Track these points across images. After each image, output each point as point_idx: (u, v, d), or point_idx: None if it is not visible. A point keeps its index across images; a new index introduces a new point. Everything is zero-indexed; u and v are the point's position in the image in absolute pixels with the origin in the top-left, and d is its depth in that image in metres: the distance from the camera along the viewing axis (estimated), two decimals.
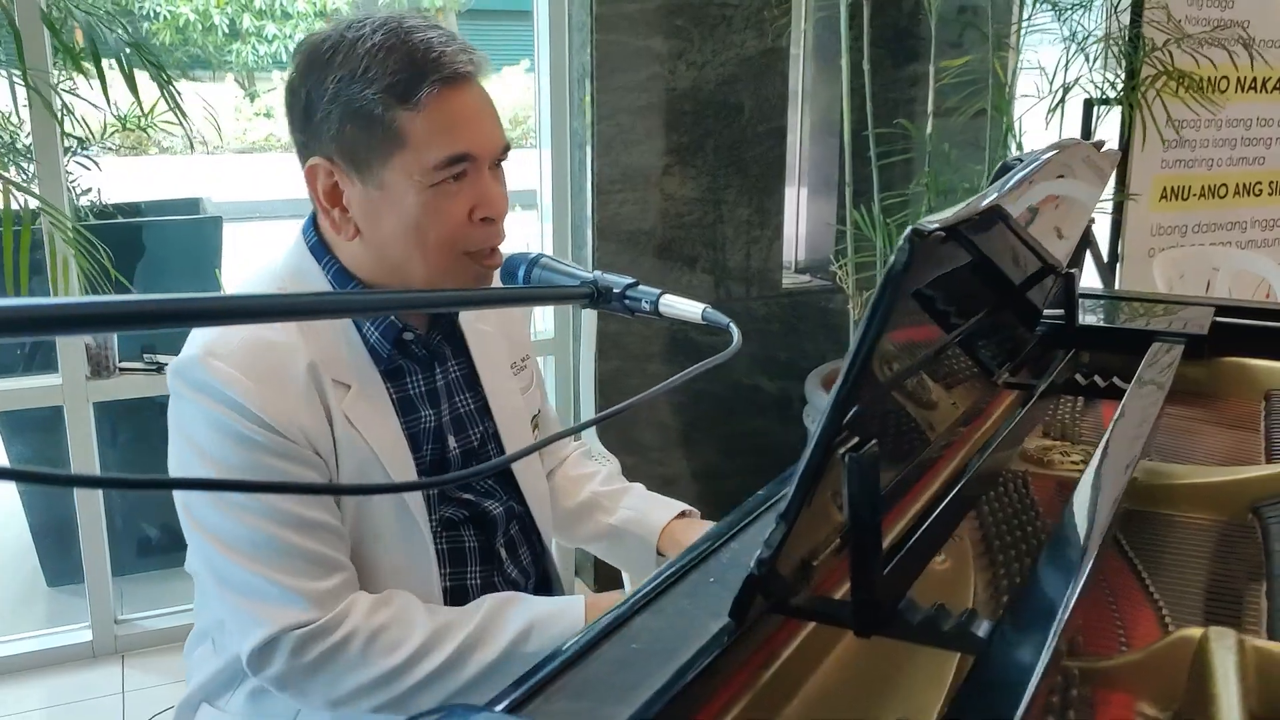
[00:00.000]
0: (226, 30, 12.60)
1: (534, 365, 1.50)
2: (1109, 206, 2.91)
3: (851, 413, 0.66)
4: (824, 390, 2.84)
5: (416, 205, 1.17)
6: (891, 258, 0.61)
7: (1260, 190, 3.12)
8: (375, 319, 1.25)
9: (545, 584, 1.45)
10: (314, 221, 1.28)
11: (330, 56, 1.16)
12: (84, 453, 2.56)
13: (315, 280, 1.25)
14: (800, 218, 3.30)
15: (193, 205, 3.49)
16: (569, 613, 1.20)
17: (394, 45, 1.14)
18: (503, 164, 1.25)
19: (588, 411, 2.91)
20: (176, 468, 1.20)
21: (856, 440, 0.68)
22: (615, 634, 0.68)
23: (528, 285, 1.18)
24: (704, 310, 1.08)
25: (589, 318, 2.85)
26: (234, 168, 9.82)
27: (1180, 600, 0.98)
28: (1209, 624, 0.92)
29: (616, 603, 1.19)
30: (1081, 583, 0.74)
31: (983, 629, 0.69)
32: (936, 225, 0.62)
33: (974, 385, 1.18)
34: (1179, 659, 0.78)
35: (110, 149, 3.24)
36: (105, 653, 2.70)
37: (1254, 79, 2.98)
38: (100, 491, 2.64)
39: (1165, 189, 2.97)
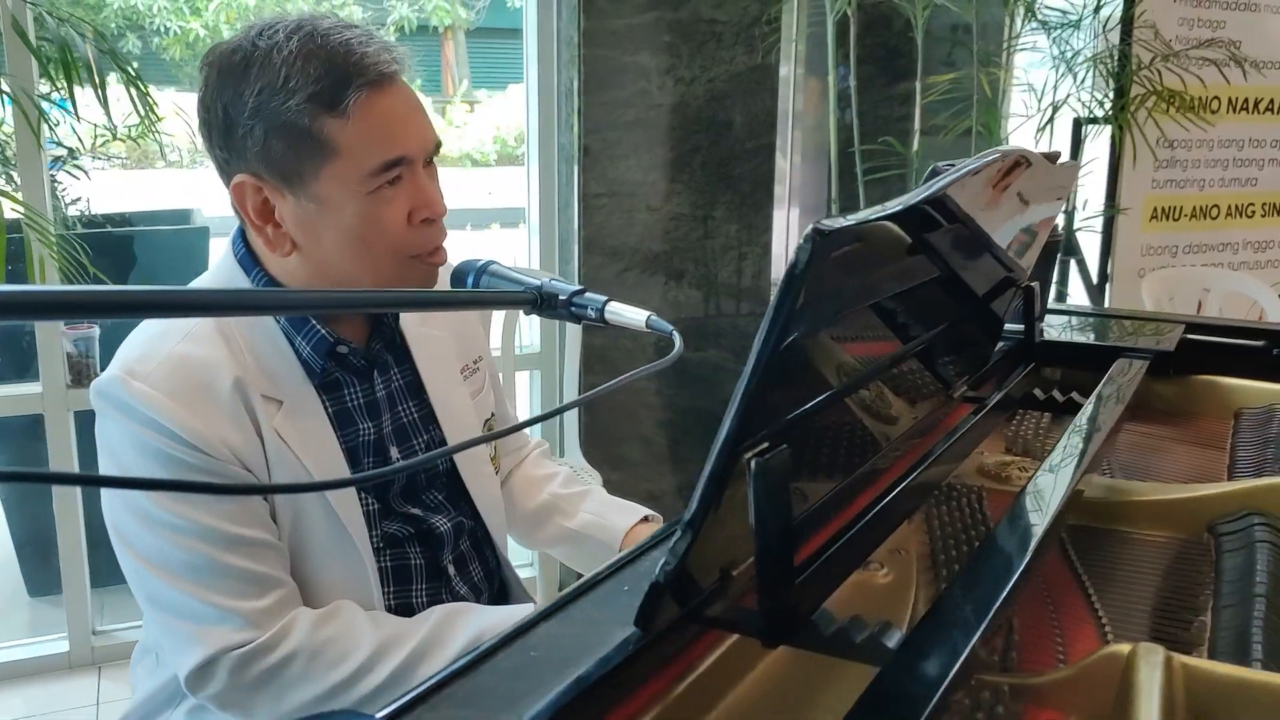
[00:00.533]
0: None
1: (488, 367, 1.46)
2: (1098, 224, 2.89)
3: (767, 418, 0.65)
4: None
5: (356, 215, 1.13)
6: (793, 258, 0.60)
7: (1253, 211, 3.10)
8: (306, 332, 1.20)
9: (504, 596, 1.43)
10: (242, 234, 1.23)
11: (245, 68, 1.11)
12: (64, 460, 2.55)
13: None
14: (790, 234, 3.29)
15: (184, 217, 3.49)
16: (520, 618, 1.18)
17: (312, 51, 1.10)
18: (434, 160, 1.21)
19: (571, 426, 2.89)
20: (108, 492, 1.16)
21: (765, 446, 0.67)
22: (514, 642, 0.66)
23: (474, 289, 1.17)
24: (649, 317, 1.06)
25: (574, 332, 2.84)
26: None
27: (1127, 617, 0.96)
28: (1154, 641, 0.90)
29: None
30: (1004, 594, 0.72)
31: (894, 640, 0.67)
32: (839, 224, 0.60)
33: (929, 397, 1.17)
34: (1108, 676, 0.76)
35: (104, 160, 3.25)
36: (82, 664, 2.68)
37: (1246, 99, 2.97)
38: (80, 503, 2.62)
39: (1156, 209, 2.95)
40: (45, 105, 2.04)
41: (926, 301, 1.02)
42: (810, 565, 0.72)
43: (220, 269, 1.24)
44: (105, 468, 1.16)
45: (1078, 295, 2.89)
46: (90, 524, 2.68)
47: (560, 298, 1.08)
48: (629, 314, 1.08)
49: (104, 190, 3.04)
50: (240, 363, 1.16)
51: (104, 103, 1.79)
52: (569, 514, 1.50)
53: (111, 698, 2.55)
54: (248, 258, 1.22)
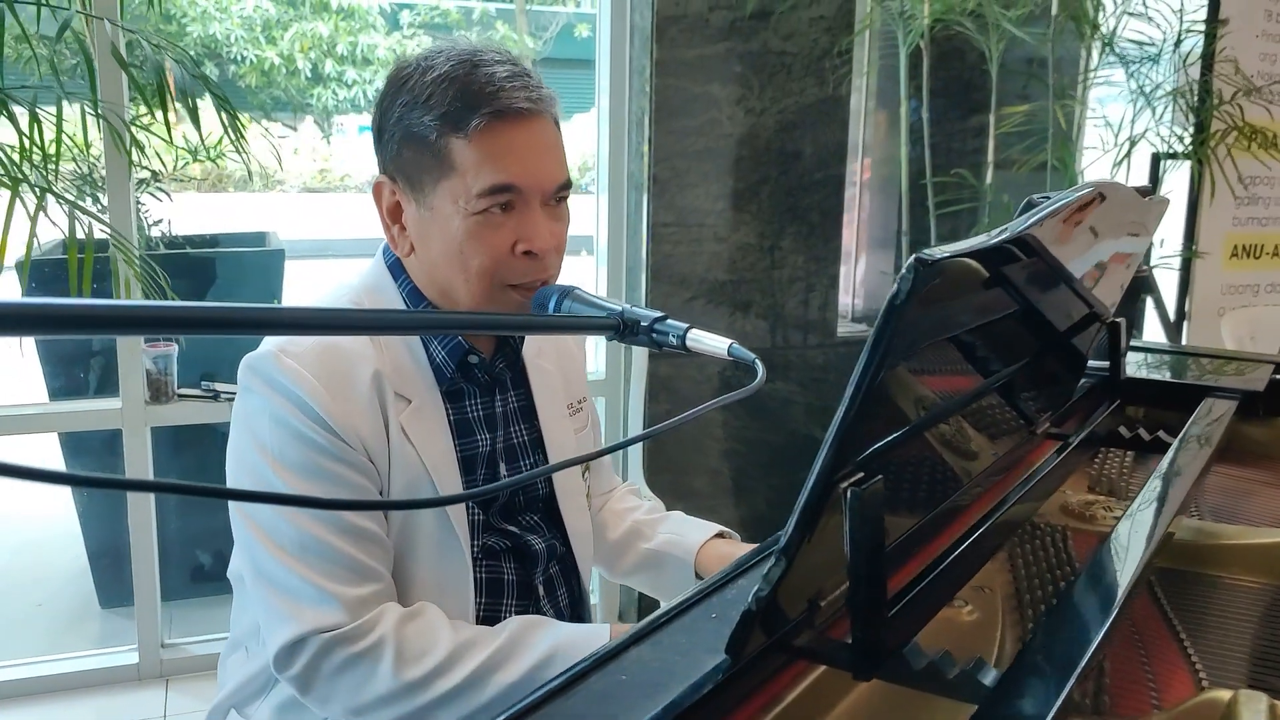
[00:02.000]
0: (309, 75, 13.00)
1: (591, 410, 1.51)
2: (1176, 263, 2.84)
3: (860, 448, 0.64)
4: None
5: (461, 231, 1.19)
6: (895, 287, 0.60)
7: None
8: (444, 338, 1.27)
9: None
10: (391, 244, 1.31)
11: (403, 83, 1.20)
12: (140, 476, 2.61)
13: (390, 297, 1.29)
14: (857, 266, 3.28)
15: (259, 239, 3.57)
16: (594, 639, 1.18)
17: (458, 76, 1.17)
18: (564, 201, 1.25)
19: (635, 456, 2.89)
20: (235, 459, 1.23)
21: (861, 475, 0.66)
22: (604, 666, 0.66)
23: (557, 314, 1.18)
24: (730, 346, 1.06)
25: (639, 359, 2.85)
26: (304, 206, 10.07)
27: (1223, 664, 0.93)
28: (1252, 688, 0.87)
29: None
30: (1099, 637, 0.71)
31: (990, 678, 0.65)
32: (942, 254, 0.60)
33: (1013, 433, 1.15)
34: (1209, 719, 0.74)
35: (183, 183, 3.34)
36: (150, 675, 2.72)
37: None
38: (153, 516, 2.68)
39: (1236, 247, 2.89)
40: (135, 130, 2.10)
41: (1013, 334, 1.01)
42: (901, 598, 0.71)
43: (371, 274, 1.32)
44: (240, 441, 1.22)
45: (1153, 333, 2.83)
46: (163, 536, 2.73)
47: (642, 324, 1.09)
48: (710, 341, 1.08)
49: (175, 211, 3.12)
50: (380, 357, 1.23)
51: (197, 124, 1.85)
52: (648, 537, 1.52)
53: (179, 710, 2.58)
54: (398, 266, 1.30)
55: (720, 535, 1.49)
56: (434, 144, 1.17)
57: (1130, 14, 2.69)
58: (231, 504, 1.24)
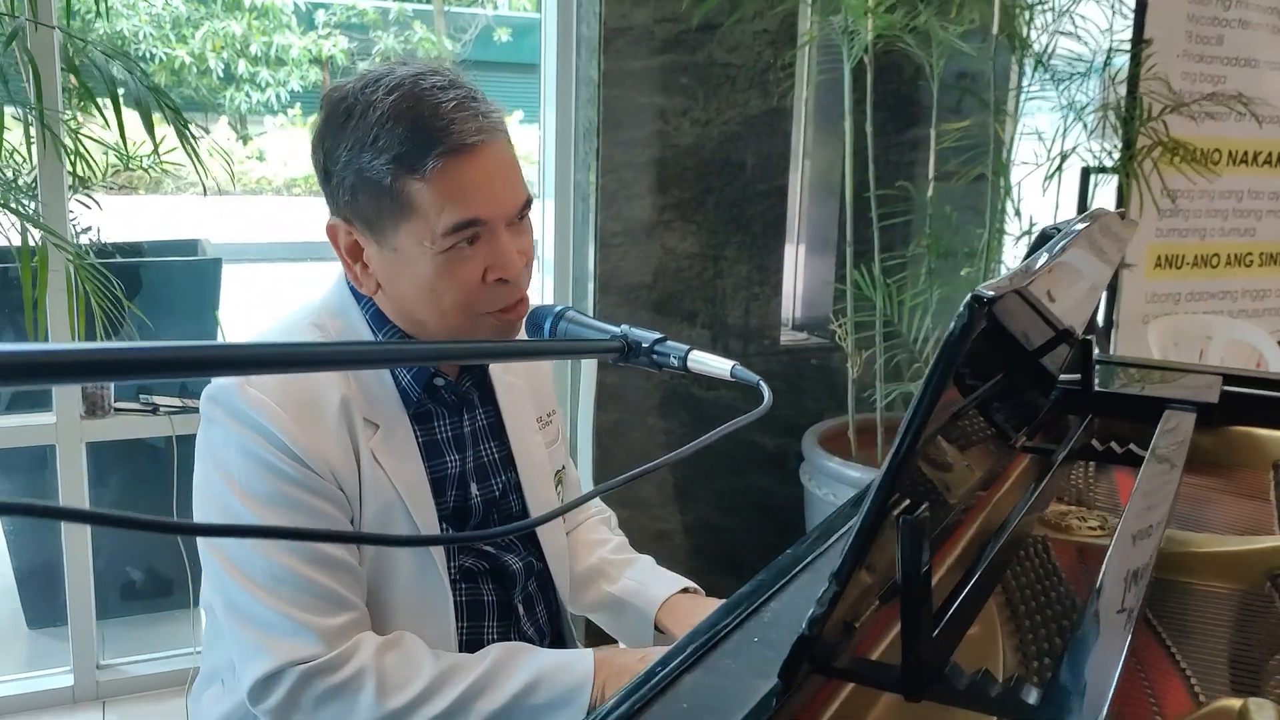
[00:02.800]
0: (221, 75, 12.72)
1: (559, 422, 1.50)
2: None
3: (912, 476, 0.66)
4: (821, 448, 2.84)
5: (430, 270, 1.17)
6: (951, 324, 0.62)
7: (1251, 261, 3.17)
8: None
9: (559, 644, 1.44)
10: None
11: (345, 119, 1.15)
12: (75, 493, 2.53)
13: (354, 319, 1.27)
14: (798, 275, 3.33)
15: (191, 247, 3.48)
16: (578, 666, 1.19)
17: (403, 112, 1.13)
18: (526, 216, 1.25)
19: (585, 463, 2.90)
20: (201, 491, 1.21)
21: (908, 503, 0.68)
22: (664, 694, 0.67)
23: (556, 338, 1.19)
24: (733, 367, 1.08)
25: (588, 369, 2.86)
26: (229, 210, 9.83)
27: (1208, 670, 0.98)
28: (1235, 694, 0.92)
29: (627, 659, 1.18)
30: (1123, 655, 0.74)
31: (1032, 697, 0.68)
32: (995, 292, 0.63)
33: (993, 449, 1.19)
34: None
35: (111, 188, 3.24)
36: (86, 698, 2.64)
37: (1245, 152, 3.04)
38: (88, 533, 2.60)
39: (1160, 257, 3.01)
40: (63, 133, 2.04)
41: (1005, 354, 1.05)
42: (939, 619, 0.73)
43: (332, 297, 1.29)
44: (206, 474, 1.19)
45: None
46: (97, 555, 2.65)
47: (643, 345, 1.11)
48: (713, 363, 1.10)
49: (101, 218, 3.03)
50: (347, 384, 1.22)
51: (151, 132, 1.80)
52: (612, 579, 1.51)
53: None
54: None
55: (684, 591, 1.48)
56: (390, 188, 1.14)
57: (1061, 33, 2.78)
58: (201, 539, 1.21)
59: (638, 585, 1.48)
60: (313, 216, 1.77)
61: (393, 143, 1.13)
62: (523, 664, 1.19)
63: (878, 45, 2.64)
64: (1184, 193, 2.89)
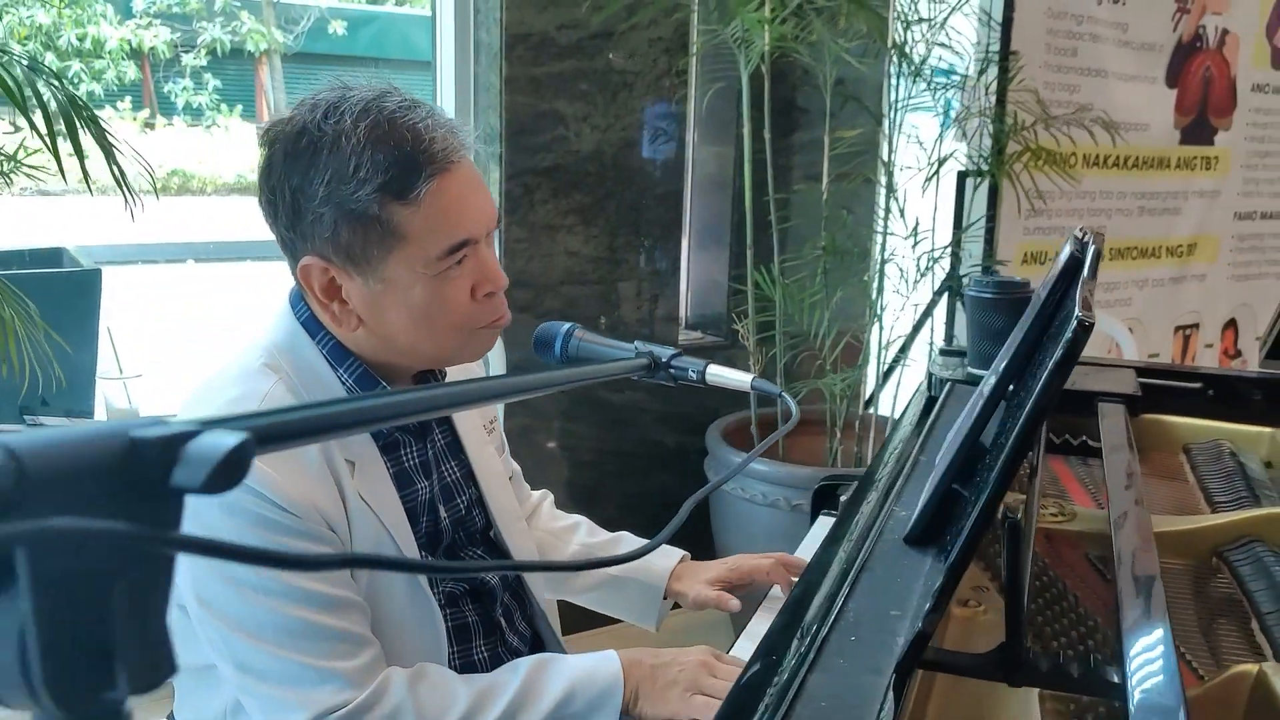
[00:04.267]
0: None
1: (499, 427, 1.52)
2: (975, 268, 3.13)
3: (1010, 478, 0.73)
4: (726, 442, 2.94)
5: (423, 295, 1.17)
6: (1060, 350, 0.69)
7: (1104, 256, 3.43)
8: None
9: (540, 646, 1.46)
10: (300, 296, 1.24)
11: (313, 153, 1.12)
12: None
13: (308, 355, 1.22)
14: (689, 276, 3.41)
15: (55, 257, 3.30)
16: (606, 669, 1.22)
17: (380, 137, 1.12)
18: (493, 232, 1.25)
19: None
20: (192, 558, 1.15)
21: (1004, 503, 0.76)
22: (801, 697, 0.72)
23: (586, 361, 1.21)
24: (753, 380, 1.14)
25: (497, 368, 2.86)
26: (66, 212, 9.24)
27: (1186, 638, 1.10)
28: (1219, 664, 1.04)
29: (657, 659, 1.22)
30: (1165, 630, 0.84)
31: (1114, 675, 0.77)
32: (1091, 318, 0.70)
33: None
34: (1236, 695, 0.89)
35: None
36: None
37: (1097, 155, 3.29)
38: None
39: (1026, 254, 3.23)
40: None
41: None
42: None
43: (282, 333, 1.23)
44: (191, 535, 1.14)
45: (963, 335, 3.11)
46: None
47: (662, 360, 1.15)
48: (731, 377, 1.16)
49: None
50: None
51: (78, 144, 1.72)
52: (559, 550, 1.56)
53: None
54: (312, 322, 1.23)
55: (683, 559, 1.56)
56: (378, 217, 1.12)
57: (938, 44, 2.95)
58: (193, 605, 1.14)
59: (636, 562, 1.52)
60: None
61: (376, 171, 1.11)
62: (554, 675, 1.21)
63: (774, 55, 2.74)
64: (1047, 194, 3.11)
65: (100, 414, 2.64)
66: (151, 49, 13.37)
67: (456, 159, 1.15)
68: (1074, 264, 0.90)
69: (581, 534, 1.58)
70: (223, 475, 0.33)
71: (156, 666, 0.33)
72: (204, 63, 13.74)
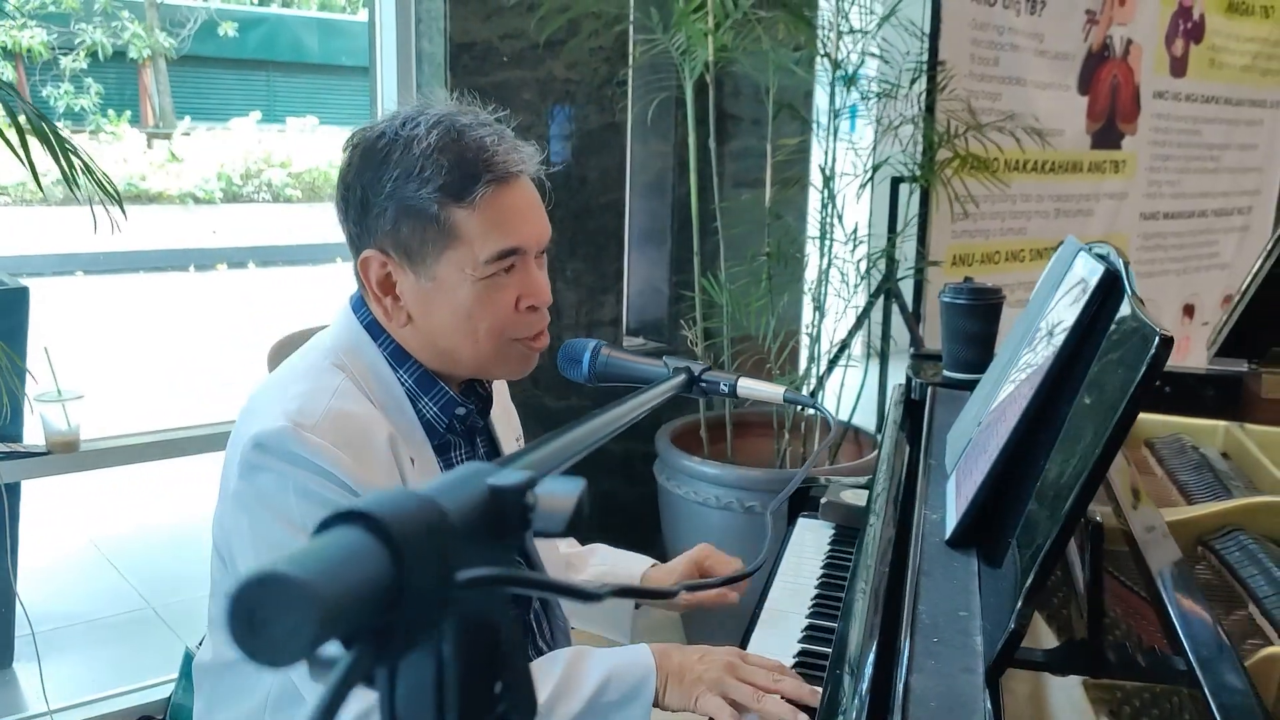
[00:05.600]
0: None
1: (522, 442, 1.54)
2: (911, 272, 3.24)
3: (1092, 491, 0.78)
4: (674, 446, 2.97)
5: (469, 297, 1.22)
6: (1145, 366, 0.74)
7: (1024, 256, 3.58)
8: (434, 394, 1.27)
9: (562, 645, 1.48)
10: (363, 300, 1.30)
11: (386, 154, 1.19)
12: None
13: (371, 357, 1.28)
14: (630, 282, 3.45)
15: None
16: (640, 660, 1.24)
17: (447, 145, 1.19)
18: (545, 253, 1.30)
19: None
20: (259, 542, 1.17)
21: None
22: (910, 696, 0.76)
23: (594, 373, 1.24)
24: (784, 392, 1.18)
25: None
26: None
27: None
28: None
29: (685, 656, 1.24)
30: (1210, 616, 0.90)
31: (1178, 664, 0.82)
32: (1170, 334, 0.76)
33: None
34: (1270, 675, 0.96)
35: None
36: None
37: (1018, 160, 3.43)
38: None
39: (955, 256, 3.35)
40: None
41: None
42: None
43: (345, 335, 1.29)
44: (261, 523, 1.16)
45: (899, 332, 3.22)
46: None
47: (695, 373, 1.18)
48: (763, 389, 1.19)
49: None
50: (389, 421, 1.23)
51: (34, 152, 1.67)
52: (579, 569, 1.58)
53: None
54: (374, 325, 1.29)
55: (653, 566, 1.59)
56: (436, 216, 1.19)
57: (870, 54, 3.04)
58: None
59: (608, 568, 1.57)
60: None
61: (439, 173, 1.17)
62: (593, 665, 1.23)
63: (718, 65, 2.79)
64: (974, 198, 3.23)
65: (36, 438, 2.54)
66: (27, 50, 12.82)
67: (517, 173, 1.22)
68: (1109, 279, 0.95)
69: (562, 545, 1.60)
70: (577, 518, 0.35)
71: (529, 699, 0.34)
72: (84, 65, 13.22)
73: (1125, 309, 0.88)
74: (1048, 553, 0.77)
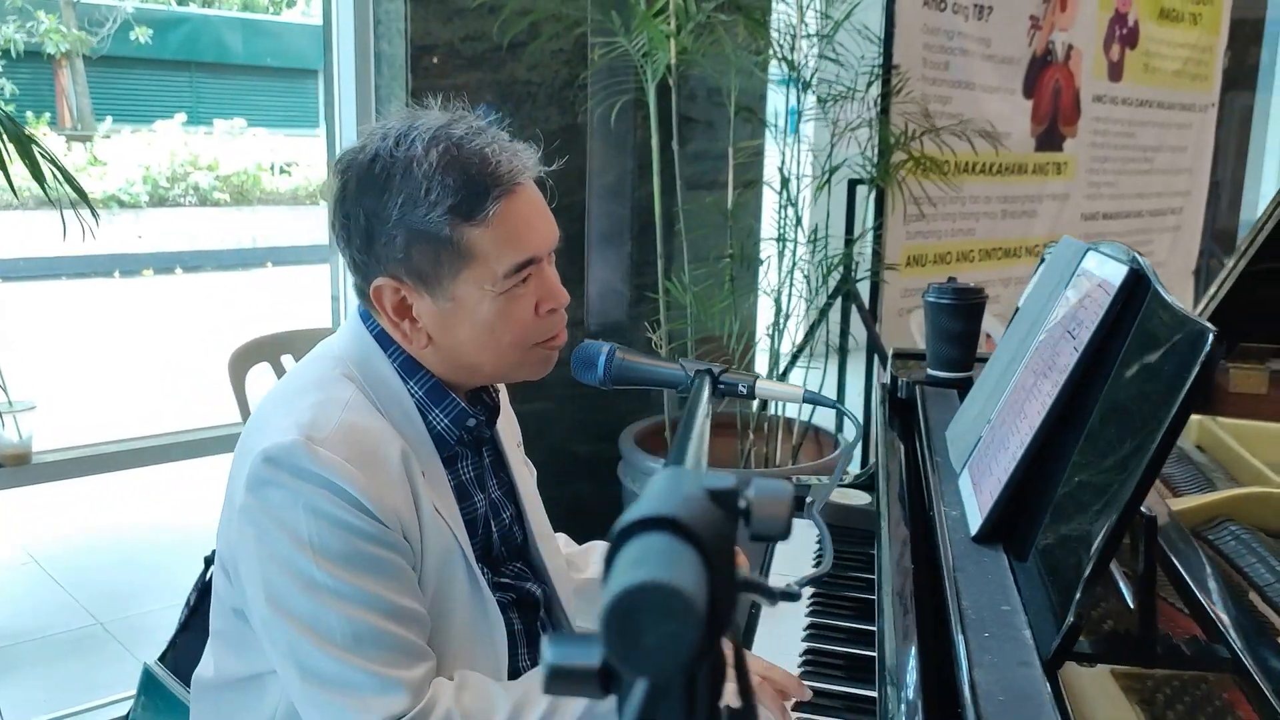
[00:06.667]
0: None
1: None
2: (868, 273, 3.28)
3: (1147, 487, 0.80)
4: (639, 448, 2.98)
5: (490, 313, 1.20)
6: (1200, 364, 0.76)
7: (974, 256, 3.65)
8: (445, 405, 1.25)
9: None
10: (368, 313, 1.27)
11: (386, 178, 1.16)
12: None
13: (381, 368, 1.25)
14: (590, 285, 3.44)
15: None
16: None
17: (449, 163, 1.16)
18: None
19: None
20: (266, 557, 1.14)
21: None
22: (978, 689, 0.77)
23: (609, 376, 1.24)
24: (805, 392, 1.19)
25: None
26: None
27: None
28: None
29: None
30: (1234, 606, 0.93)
31: (1222, 651, 0.85)
32: (1216, 330, 0.78)
33: None
34: None
35: None
36: None
37: (968, 163, 3.50)
38: None
39: (909, 257, 3.41)
40: None
41: None
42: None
43: (354, 345, 1.26)
44: (270, 539, 1.13)
45: (859, 332, 3.26)
46: None
47: (715, 374, 1.19)
48: (781, 390, 1.21)
49: None
50: (401, 435, 1.21)
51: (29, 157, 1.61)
52: (582, 568, 1.58)
53: None
54: (384, 336, 1.25)
55: None
56: (449, 238, 1.16)
57: (826, 58, 3.08)
58: (263, 604, 1.15)
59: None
60: None
61: (446, 194, 1.15)
62: None
63: (680, 68, 2.80)
64: (928, 199, 3.28)
65: None
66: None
67: (521, 180, 1.19)
68: (1134, 279, 0.98)
69: (560, 545, 1.59)
70: (790, 523, 0.35)
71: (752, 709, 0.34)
72: None
73: (1159, 307, 0.91)
74: (1104, 547, 0.79)
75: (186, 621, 2.31)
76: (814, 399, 1.20)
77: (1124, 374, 0.92)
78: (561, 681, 0.32)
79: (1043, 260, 1.48)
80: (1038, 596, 0.91)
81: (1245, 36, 5.20)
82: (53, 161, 1.62)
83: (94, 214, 1.67)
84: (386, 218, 1.15)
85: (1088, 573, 0.79)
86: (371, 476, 1.14)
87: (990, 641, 0.86)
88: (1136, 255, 1.02)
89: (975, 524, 1.07)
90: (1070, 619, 0.79)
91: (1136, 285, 0.99)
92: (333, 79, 2.87)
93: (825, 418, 3.32)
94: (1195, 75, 4.46)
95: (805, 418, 3.17)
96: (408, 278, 1.18)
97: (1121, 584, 0.91)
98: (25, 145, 1.66)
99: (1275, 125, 5.78)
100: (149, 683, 2.32)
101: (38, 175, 1.68)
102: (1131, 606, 0.86)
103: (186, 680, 2.28)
